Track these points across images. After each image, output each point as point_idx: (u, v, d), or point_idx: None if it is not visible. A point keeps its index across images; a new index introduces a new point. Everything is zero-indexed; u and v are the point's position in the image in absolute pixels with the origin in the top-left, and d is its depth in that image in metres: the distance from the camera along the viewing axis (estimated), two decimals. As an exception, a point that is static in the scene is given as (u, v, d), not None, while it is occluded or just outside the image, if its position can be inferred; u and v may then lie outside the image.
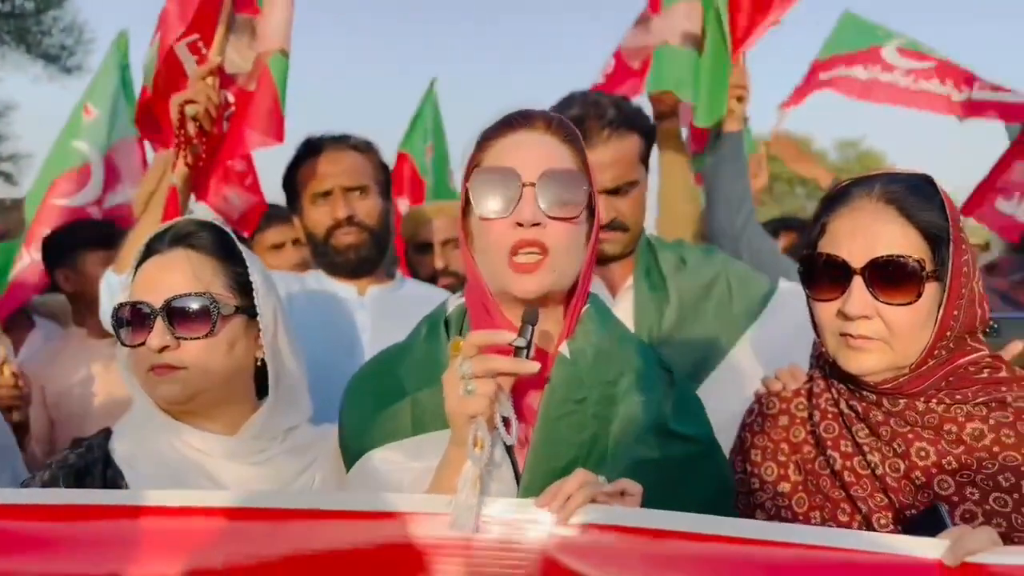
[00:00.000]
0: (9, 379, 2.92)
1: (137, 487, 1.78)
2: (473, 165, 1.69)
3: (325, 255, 2.79)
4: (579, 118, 2.47)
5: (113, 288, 2.43)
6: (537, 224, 1.60)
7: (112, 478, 1.81)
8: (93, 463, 1.83)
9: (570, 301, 1.72)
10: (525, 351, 1.49)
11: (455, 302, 1.82)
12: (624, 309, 2.57)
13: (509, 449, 1.63)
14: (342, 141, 2.85)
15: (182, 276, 1.83)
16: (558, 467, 1.59)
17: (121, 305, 1.84)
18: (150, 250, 1.89)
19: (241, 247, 1.92)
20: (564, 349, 1.68)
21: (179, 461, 1.83)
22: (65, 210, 4.06)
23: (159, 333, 1.78)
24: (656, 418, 1.71)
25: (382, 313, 2.70)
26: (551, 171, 1.63)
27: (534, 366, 1.49)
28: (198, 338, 1.80)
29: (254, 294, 1.88)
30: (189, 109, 2.47)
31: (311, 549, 1.51)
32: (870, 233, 1.68)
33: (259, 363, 1.92)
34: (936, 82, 4.40)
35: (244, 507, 1.54)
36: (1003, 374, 1.75)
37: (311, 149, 2.83)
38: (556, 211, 1.62)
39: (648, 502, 1.55)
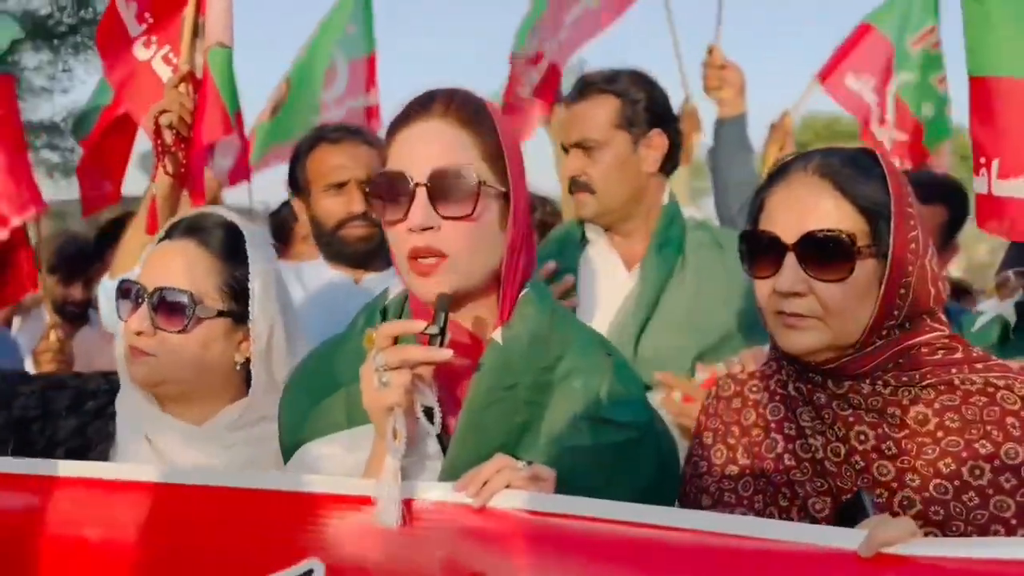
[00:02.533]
0: (54, 343, 3.10)
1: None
2: (383, 160, 1.69)
3: (331, 245, 2.83)
4: (575, 84, 2.69)
5: (109, 294, 2.56)
6: (429, 228, 1.57)
7: (109, 414, 1.96)
8: (101, 393, 1.99)
9: (503, 285, 1.68)
10: (439, 339, 1.49)
11: (395, 290, 1.81)
12: (630, 287, 2.57)
13: (440, 438, 1.62)
14: (356, 134, 2.89)
15: (176, 268, 1.89)
16: (484, 455, 1.55)
17: (124, 281, 1.94)
18: (167, 234, 1.98)
19: (255, 251, 1.94)
20: (497, 335, 1.66)
21: (142, 436, 1.92)
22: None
23: (140, 317, 1.86)
24: (591, 404, 1.68)
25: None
26: (439, 170, 1.57)
27: (447, 354, 1.49)
28: (171, 332, 1.86)
29: (250, 300, 1.91)
30: (163, 119, 2.55)
31: (234, 526, 1.59)
32: (802, 207, 1.62)
33: (245, 361, 1.95)
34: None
35: (172, 483, 1.63)
36: (957, 355, 1.66)
37: (324, 139, 2.86)
38: (449, 211, 1.57)
39: (581, 489, 1.53)
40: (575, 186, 2.60)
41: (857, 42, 4.72)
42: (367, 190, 1.70)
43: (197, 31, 2.78)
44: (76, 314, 4.35)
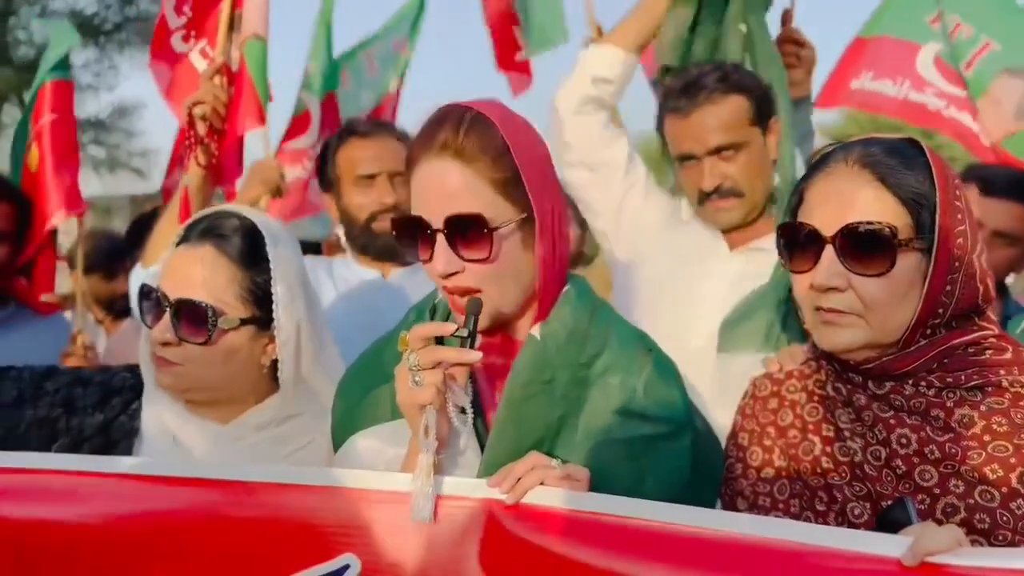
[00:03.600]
0: (79, 349, 3.12)
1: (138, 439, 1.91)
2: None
3: (360, 238, 2.82)
4: (674, 90, 2.53)
5: (136, 281, 2.55)
6: (453, 273, 1.59)
7: (134, 410, 1.94)
8: (127, 389, 1.97)
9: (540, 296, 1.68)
10: (469, 340, 1.52)
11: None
12: (735, 269, 2.51)
13: (480, 436, 1.64)
14: (384, 126, 2.89)
15: (195, 277, 1.84)
16: (522, 448, 1.58)
17: (145, 286, 1.90)
18: (185, 236, 1.93)
19: (277, 253, 1.89)
20: (536, 331, 1.65)
21: (167, 434, 1.90)
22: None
23: (164, 327, 1.83)
24: (626, 399, 1.66)
25: (405, 295, 2.70)
26: (454, 217, 1.56)
27: (476, 355, 1.52)
28: (195, 343, 1.82)
29: (273, 305, 1.87)
30: (197, 110, 2.56)
31: (270, 521, 1.56)
32: (842, 199, 1.55)
33: (272, 363, 1.92)
34: (967, 115, 3.99)
35: (212, 478, 1.61)
36: (1007, 356, 1.58)
37: (353, 131, 2.86)
38: (470, 254, 1.58)
39: (613, 482, 1.53)
40: (719, 194, 2.49)
41: (859, 54, 4.47)
42: (393, 228, 1.69)
43: (233, 24, 2.78)
44: (126, 308, 4.38)
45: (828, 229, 1.55)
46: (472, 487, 1.51)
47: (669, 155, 2.63)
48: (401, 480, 1.52)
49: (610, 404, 1.65)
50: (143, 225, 3.92)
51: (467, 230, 1.57)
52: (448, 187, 1.58)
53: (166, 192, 4.04)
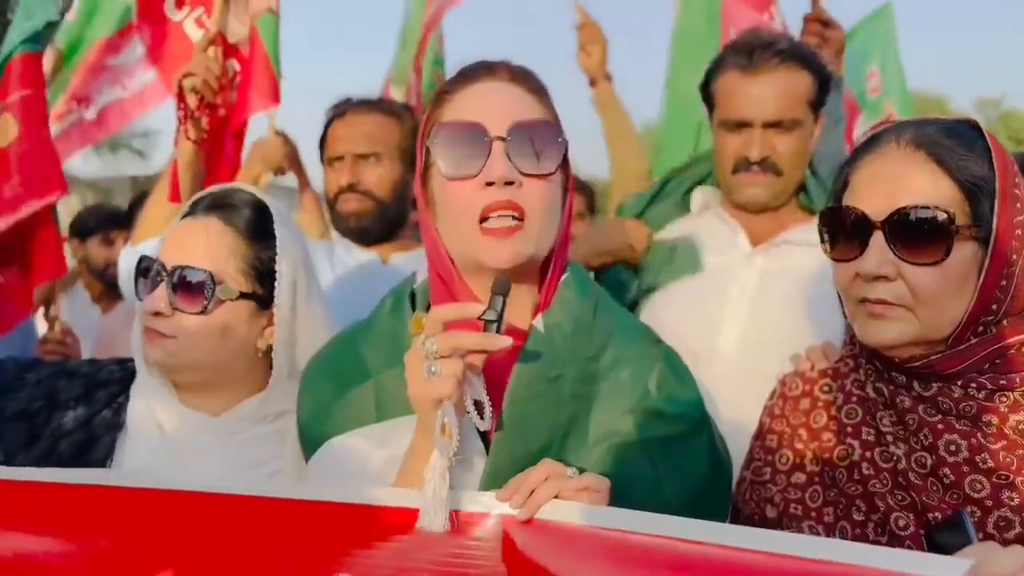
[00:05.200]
0: (58, 334, 3.01)
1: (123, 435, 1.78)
2: (431, 122, 1.53)
3: (333, 220, 2.78)
4: (747, 45, 2.37)
5: (126, 259, 2.45)
6: (511, 183, 1.43)
7: (119, 403, 1.82)
8: (113, 382, 1.85)
9: (546, 269, 1.54)
10: (496, 325, 1.31)
11: (423, 274, 1.65)
12: (759, 266, 2.38)
13: (484, 436, 1.46)
14: (372, 105, 2.78)
15: (197, 247, 1.75)
16: (530, 452, 1.43)
17: (144, 258, 1.80)
18: (191, 209, 1.84)
19: (284, 232, 1.80)
20: (539, 323, 1.51)
21: (155, 427, 1.78)
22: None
23: (158, 297, 1.72)
24: (640, 396, 1.52)
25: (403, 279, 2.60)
26: (522, 123, 1.45)
27: (506, 341, 1.30)
28: (191, 313, 1.72)
29: (276, 283, 1.77)
30: (187, 82, 2.44)
31: (278, 537, 1.43)
32: (894, 181, 1.42)
33: (268, 348, 1.81)
34: None
35: (212, 492, 1.48)
36: (1065, 358, 1.45)
37: (337, 112, 2.78)
38: (531, 167, 1.44)
39: (629, 487, 1.40)
40: (761, 166, 2.35)
41: None
42: (423, 142, 1.54)
43: None
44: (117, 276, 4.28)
45: (878, 214, 1.42)
46: (480, 501, 1.35)
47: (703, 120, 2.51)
48: (409, 495, 1.36)
49: (622, 402, 1.51)
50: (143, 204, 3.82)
51: (537, 138, 1.46)
52: (512, 100, 1.49)
53: None
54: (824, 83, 2.38)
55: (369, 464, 1.50)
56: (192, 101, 2.44)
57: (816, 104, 2.38)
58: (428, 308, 1.57)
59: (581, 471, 1.37)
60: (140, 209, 3.76)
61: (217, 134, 2.60)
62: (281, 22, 2.70)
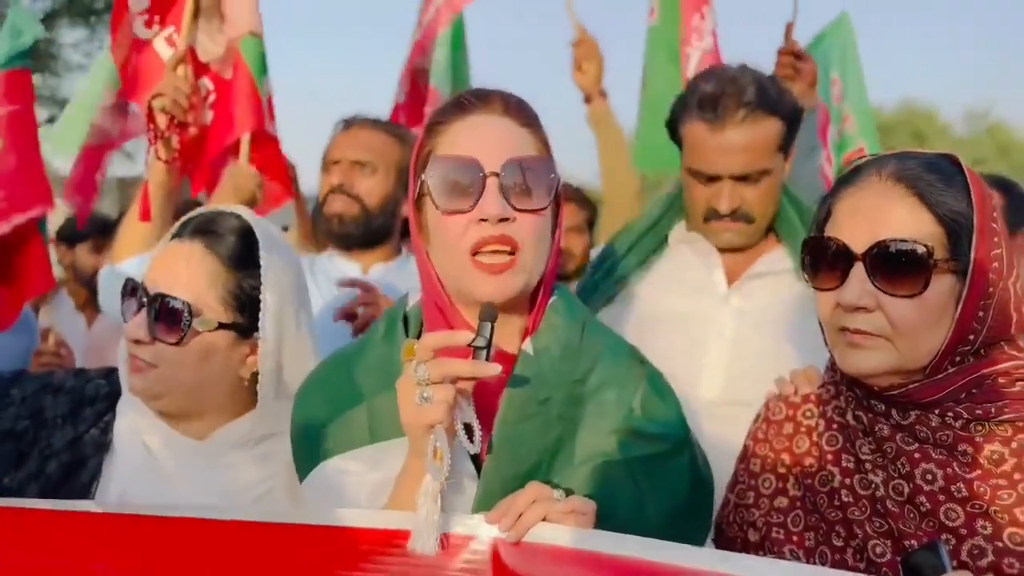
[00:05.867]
0: (52, 346, 3.01)
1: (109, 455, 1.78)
2: (425, 151, 1.55)
3: (320, 223, 2.81)
4: (713, 95, 2.28)
5: (105, 279, 2.47)
6: (504, 219, 1.46)
7: (106, 422, 1.81)
8: (100, 398, 1.84)
9: (535, 294, 1.58)
10: (485, 352, 1.35)
11: (415, 297, 1.67)
12: (735, 307, 2.37)
13: (475, 458, 1.50)
14: (377, 123, 2.83)
15: (178, 274, 1.73)
16: (520, 473, 1.46)
17: (129, 280, 1.79)
18: (178, 232, 1.82)
19: (271, 258, 1.77)
20: (528, 346, 1.54)
21: (142, 448, 1.78)
22: None
23: (139, 324, 1.71)
24: (624, 417, 1.56)
25: (383, 291, 2.61)
26: (516, 159, 1.48)
27: (495, 368, 1.34)
28: (168, 343, 1.71)
29: (260, 313, 1.75)
30: (157, 103, 2.44)
31: (270, 562, 1.46)
32: (875, 214, 1.45)
33: (252, 376, 1.80)
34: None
35: (201, 518, 1.51)
36: (1040, 389, 1.48)
37: (344, 125, 2.82)
38: (524, 203, 1.48)
39: (613, 505, 1.43)
40: (732, 217, 2.32)
41: None
42: (416, 173, 1.56)
43: (199, 11, 2.68)
44: None
45: (859, 245, 1.45)
46: (469, 524, 1.38)
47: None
48: (400, 517, 1.39)
49: (607, 423, 1.54)
50: None
51: (530, 175, 1.49)
52: (505, 136, 1.52)
53: None
54: (793, 123, 2.34)
55: (362, 486, 1.52)
56: (162, 121, 2.45)
57: (786, 146, 2.35)
58: (420, 332, 1.60)
59: (567, 492, 1.40)
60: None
61: (190, 153, 2.61)
62: (267, 41, 2.73)
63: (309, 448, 1.60)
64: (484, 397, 1.48)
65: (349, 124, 2.81)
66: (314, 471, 1.57)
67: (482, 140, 1.50)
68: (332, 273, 2.71)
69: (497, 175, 1.46)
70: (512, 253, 1.47)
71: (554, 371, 1.52)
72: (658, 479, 1.55)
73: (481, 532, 1.37)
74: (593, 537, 1.33)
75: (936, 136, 30.76)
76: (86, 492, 1.73)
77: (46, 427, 1.78)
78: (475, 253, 1.47)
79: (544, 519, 1.34)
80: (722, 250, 2.41)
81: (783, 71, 2.98)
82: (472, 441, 1.37)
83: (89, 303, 4.28)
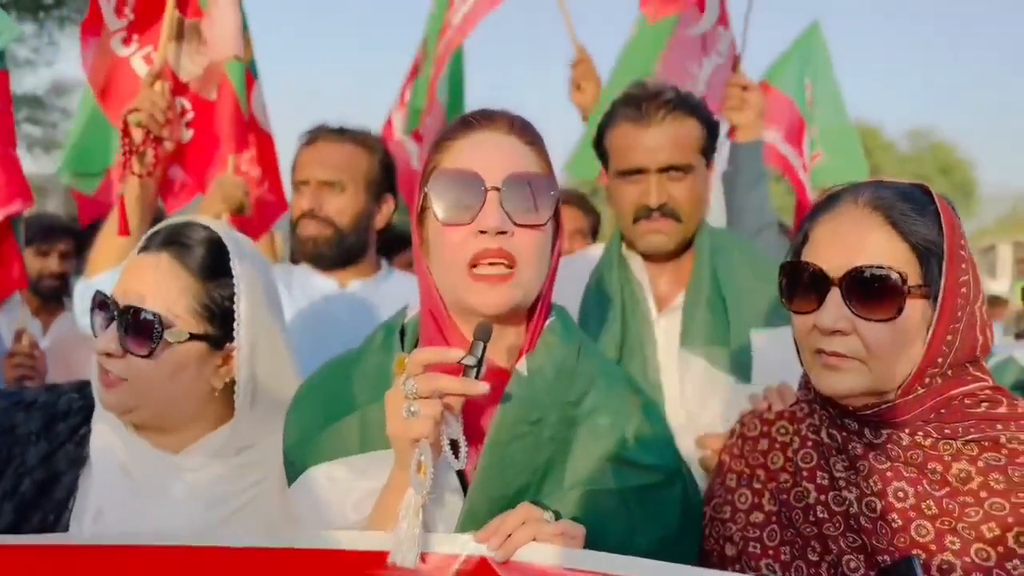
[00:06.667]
0: (26, 347, 2.97)
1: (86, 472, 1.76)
2: (430, 167, 1.57)
3: (294, 243, 2.81)
4: (635, 98, 2.41)
5: (80, 293, 2.47)
6: (503, 232, 1.48)
7: (81, 436, 1.79)
8: (73, 412, 1.81)
9: (532, 313, 1.59)
10: (475, 370, 1.36)
11: (414, 309, 1.69)
12: (667, 331, 2.39)
13: (460, 474, 1.51)
14: (343, 134, 2.79)
15: (147, 286, 1.71)
16: (508, 493, 1.48)
17: (99, 293, 1.76)
18: (146, 244, 1.80)
19: (243, 268, 1.76)
20: (522, 366, 1.55)
21: (117, 463, 1.76)
22: None
23: (109, 337, 1.69)
24: (617, 445, 1.57)
25: (361, 307, 2.64)
26: (517, 174, 1.51)
27: (483, 387, 1.35)
28: (139, 356, 1.69)
29: (235, 324, 1.74)
30: (133, 117, 2.43)
31: None
32: (851, 241, 1.51)
33: (225, 386, 1.79)
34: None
35: (180, 545, 1.49)
36: (1002, 410, 1.55)
37: (308, 138, 2.80)
38: (523, 218, 1.50)
39: (604, 533, 1.45)
40: (661, 212, 2.38)
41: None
42: (421, 187, 1.58)
43: (179, 32, 2.68)
44: (53, 289, 4.20)
45: (835, 271, 1.50)
46: (457, 543, 1.39)
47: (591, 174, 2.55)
48: (379, 539, 1.40)
49: (600, 449, 1.56)
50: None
51: (531, 190, 1.51)
52: (508, 152, 1.54)
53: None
54: (712, 131, 2.46)
55: (349, 493, 1.53)
56: (138, 136, 2.44)
57: (707, 151, 2.44)
58: (416, 343, 1.62)
59: (556, 515, 1.42)
60: (93, 234, 3.74)
61: (167, 167, 2.61)
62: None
63: (300, 453, 1.61)
64: (472, 415, 1.50)
65: (313, 138, 2.79)
66: (302, 476, 1.58)
67: (485, 156, 1.53)
68: (308, 288, 2.70)
69: (498, 189, 1.49)
70: (510, 267, 1.49)
71: (547, 392, 1.54)
72: (650, 509, 1.57)
73: (468, 551, 1.38)
74: (580, 556, 1.36)
75: (880, 153, 31.38)
76: (62, 508, 1.71)
77: (19, 444, 1.75)
78: (473, 265, 1.49)
79: (533, 540, 1.36)
80: (652, 260, 2.46)
81: (731, 102, 3.08)
82: (457, 457, 1.38)
83: (43, 308, 4.19)
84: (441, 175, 1.53)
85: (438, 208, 1.51)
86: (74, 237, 4.24)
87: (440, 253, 1.53)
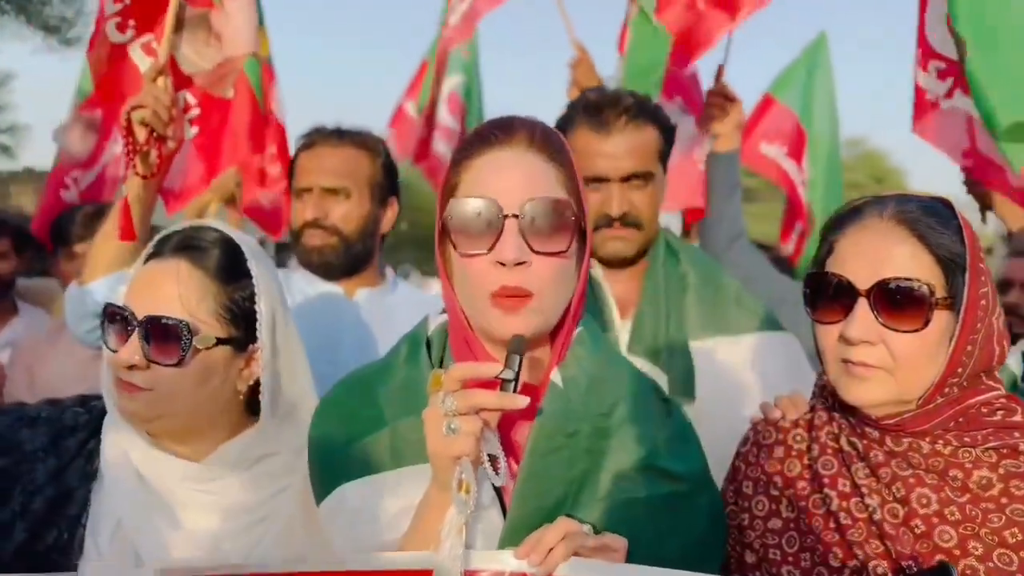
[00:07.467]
0: None
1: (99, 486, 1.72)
2: (449, 188, 1.53)
3: (297, 253, 2.72)
4: (596, 104, 2.40)
5: (73, 299, 2.35)
6: (522, 263, 1.45)
7: (90, 450, 1.74)
8: (80, 427, 1.76)
9: (559, 326, 1.57)
10: (512, 384, 1.34)
11: (436, 320, 1.66)
12: (623, 341, 2.41)
13: (498, 489, 1.49)
14: (342, 136, 2.72)
15: (168, 293, 1.67)
16: (546, 506, 1.46)
17: (109, 305, 1.71)
18: (155, 250, 1.75)
19: (260, 269, 1.74)
20: (556, 377, 1.53)
21: (132, 475, 1.71)
22: None
23: (132, 348, 1.64)
24: (648, 454, 1.57)
25: (369, 318, 2.59)
26: (535, 200, 1.45)
27: (523, 400, 1.33)
28: (166, 365, 1.65)
29: (257, 324, 1.72)
30: (136, 115, 2.30)
31: None
32: (879, 253, 1.54)
33: (248, 389, 1.76)
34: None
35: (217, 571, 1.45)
36: (1017, 418, 1.59)
37: (306, 142, 2.72)
38: (542, 245, 1.45)
39: (635, 540, 1.44)
40: (622, 222, 2.39)
41: (763, 112, 4.88)
42: (444, 221, 1.52)
43: (183, 23, 2.54)
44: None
45: (863, 282, 1.53)
46: (499, 559, 1.37)
47: None
48: (421, 558, 1.36)
49: (632, 458, 1.55)
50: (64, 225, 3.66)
51: (549, 217, 1.45)
52: (526, 174, 1.48)
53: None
54: (669, 136, 2.48)
55: (382, 512, 1.50)
56: (141, 135, 2.31)
57: (663, 158, 2.47)
58: (443, 356, 1.60)
59: (593, 528, 1.42)
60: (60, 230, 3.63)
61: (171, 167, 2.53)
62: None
63: (327, 470, 1.58)
64: (503, 429, 1.48)
65: (311, 142, 2.71)
66: (332, 495, 1.55)
67: (504, 178, 1.48)
68: (310, 293, 2.64)
69: (516, 217, 1.45)
70: (528, 296, 1.46)
71: (581, 403, 1.52)
72: (680, 517, 1.57)
73: (511, 567, 1.36)
74: (623, 572, 1.36)
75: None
76: (76, 524, 1.66)
77: (27, 461, 1.69)
78: (495, 294, 1.46)
79: (575, 554, 1.34)
80: (611, 266, 2.47)
81: (712, 111, 3.12)
82: (497, 473, 1.36)
83: None
84: (458, 204, 1.48)
85: (457, 239, 1.48)
86: (12, 236, 3.98)
87: (462, 281, 1.51)
